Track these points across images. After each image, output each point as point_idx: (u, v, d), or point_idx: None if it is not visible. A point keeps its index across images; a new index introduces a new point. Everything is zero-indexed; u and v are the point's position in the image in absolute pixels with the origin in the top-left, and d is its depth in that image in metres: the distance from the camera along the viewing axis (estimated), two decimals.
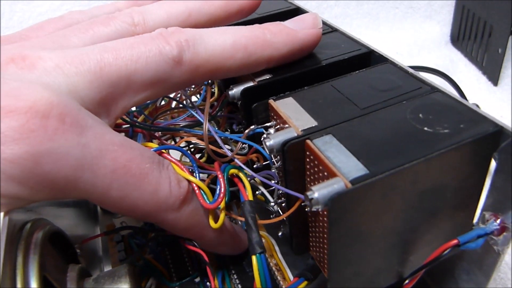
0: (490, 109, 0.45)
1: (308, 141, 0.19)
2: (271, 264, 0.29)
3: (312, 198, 0.17)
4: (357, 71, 0.25)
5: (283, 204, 0.24)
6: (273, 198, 0.24)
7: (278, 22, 0.25)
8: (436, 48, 0.62)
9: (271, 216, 0.24)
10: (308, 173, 0.20)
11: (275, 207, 0.24)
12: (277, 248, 0.29)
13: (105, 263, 0.33)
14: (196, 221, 0.23)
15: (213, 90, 0.30)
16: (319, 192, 0.17)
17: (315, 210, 0.17)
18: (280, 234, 0.25)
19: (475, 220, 0.22)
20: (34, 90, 0.18)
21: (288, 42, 0.24)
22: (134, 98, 0.22)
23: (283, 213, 0.23)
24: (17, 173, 0.17)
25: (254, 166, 0.24)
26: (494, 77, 0.53)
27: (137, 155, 0.20)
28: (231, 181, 0.24)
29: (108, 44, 0.21)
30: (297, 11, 0.35)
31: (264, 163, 0.24)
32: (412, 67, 0.24)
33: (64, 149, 0.17)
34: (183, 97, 0.31)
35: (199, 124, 0.28)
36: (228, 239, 0.26)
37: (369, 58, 0.27)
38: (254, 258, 0.21)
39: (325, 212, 0.19)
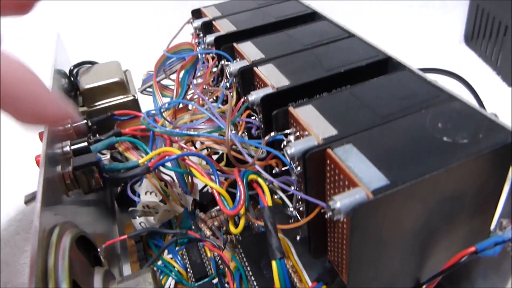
0: (503, 110, 0.45)
1: (329, 150, 0.20)
2: (287, 266, 0.29)
3: (334, 208, 0.17)
4: (375, 78, 0.25)
5: (301, 209, 0.24)
6: (291, 203, 0.25)
7: None
8: (450, 47, 0.61)
9: (290, 220, 0.25)
10: (328, 180, 0.21)
11: (294, 212, 0.24)
12: (293, 250, 0.30)
13: (124, 262, 0.34)
14: None
15: (231, 94, 0.30)
16: (341, 202, 0.17)
17: (336, 219, 0.18)
18: (298, 238, 0.25)
19: (492, 226, 0.23)
20: None
21: None
22: None
23: (302, 217, 0.23)
24: None
25: (273, 171, 0.25)
26: (508, 77, 0.53)
27: None
28: (249, 185, 0.24)
29: None
30: (314, 15, 0.35)
31: (283, 169, 0.25)
32: (427, 69, 0.24)
33: None
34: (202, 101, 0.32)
35: (219, 127, 0.29)
36: (21, 91, 0.18)
37: (386, 65, 0.27)
38: (274, 263, 0.21)
39: (345, 220, 0.19)
